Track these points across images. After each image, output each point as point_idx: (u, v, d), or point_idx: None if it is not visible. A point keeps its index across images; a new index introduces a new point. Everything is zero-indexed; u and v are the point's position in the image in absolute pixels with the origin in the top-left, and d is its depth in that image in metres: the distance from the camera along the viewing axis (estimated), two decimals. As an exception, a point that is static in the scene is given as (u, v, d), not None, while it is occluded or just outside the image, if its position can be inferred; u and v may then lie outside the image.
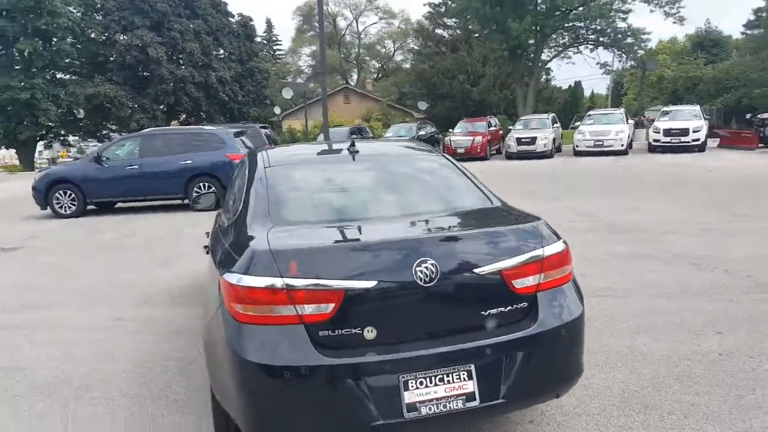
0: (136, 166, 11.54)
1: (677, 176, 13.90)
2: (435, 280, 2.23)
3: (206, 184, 11.49)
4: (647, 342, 3.89)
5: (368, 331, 2.20)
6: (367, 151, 3.44)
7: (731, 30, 65.38)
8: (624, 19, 32.34)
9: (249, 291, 2.19)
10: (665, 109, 23.87)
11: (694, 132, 20.61)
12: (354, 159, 3.25)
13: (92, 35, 35.25)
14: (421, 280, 2.22)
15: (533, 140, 21.15)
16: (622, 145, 20.71)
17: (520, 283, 2.38)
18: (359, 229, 2.60)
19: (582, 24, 33.64)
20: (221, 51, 38.63)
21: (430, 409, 2.19)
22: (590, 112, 24.89)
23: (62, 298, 5.76)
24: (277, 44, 61.38)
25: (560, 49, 36.57)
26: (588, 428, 2.85)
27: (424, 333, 2.29)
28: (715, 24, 60.80)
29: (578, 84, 59.51)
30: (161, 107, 36.19)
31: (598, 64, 44.25)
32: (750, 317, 4.25)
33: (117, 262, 7.37)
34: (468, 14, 33.94)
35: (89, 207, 12.07)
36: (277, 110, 35.67)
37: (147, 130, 13.25)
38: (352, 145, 3.34)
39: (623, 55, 34.79)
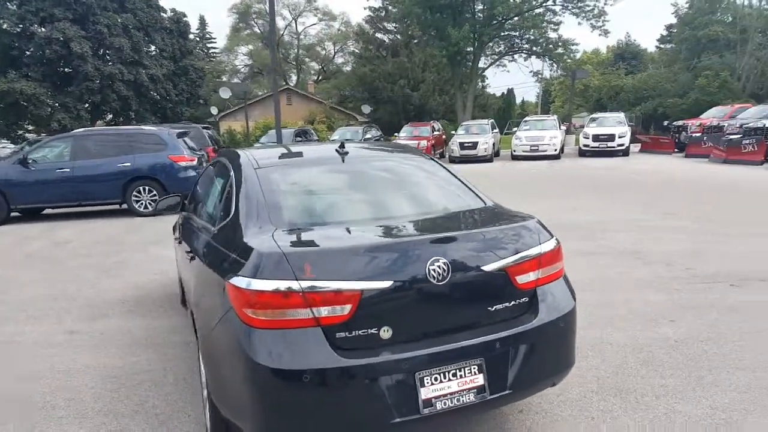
0: (68, 169, 10.82)
1: (609, 178, 14.70)
2: (447, 279, 2.30)
3: (147, 187, 11.02)
4: (611, 331, 4.15)
5: (384, 330, 2.23)
6: (356, 153, 3.43)
7: (647, 43, 70.01)
8: (555, 30, 33.96)
9: (262, 295, 2.15)
10: (593, 116, 25.16)
11: (619, 137, 21.88)
12: (344, 161, 3.24)
13: (4, 26, 32.58)
14: (434, 278, 2.28)
15: (475, 145, 21.76)
16: (556, 150, 21.70)
17: (521, 279, 2.49)
18: (367, 230, 2.60)
19: (517, 33, 34.98)
20: (153, 48, 36.89)
21: (444, 403, 2.26)
22: (526, 119, 25.89)
23: (1, 312, 5.36)
24: (211, 42, 59.64)
25: (496, 57, 37.75)
26: (573, 414, 3.03)
27: (437, 330, 2.34)
28: (634, 37, 64.74)
29: (510, 91, 61.57)
30: (85, 106, 34.05)
31: (531, 72, 46.11)
32: (694, 306, 4.62)
33: (55, 272, 6.93)
34: (409, 20, 34.38)
35: (13, 214, 11.26)
36: (214, 110, 34.58)
37: (80, 130, 12.48)
38: (342, 146, 3.33)
39: (554, 64, 36.42)
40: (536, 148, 21.69)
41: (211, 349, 2.51)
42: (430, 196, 3.14)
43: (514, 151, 22.15)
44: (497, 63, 38.50)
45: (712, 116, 23.05)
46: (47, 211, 12.02)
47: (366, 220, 2.72)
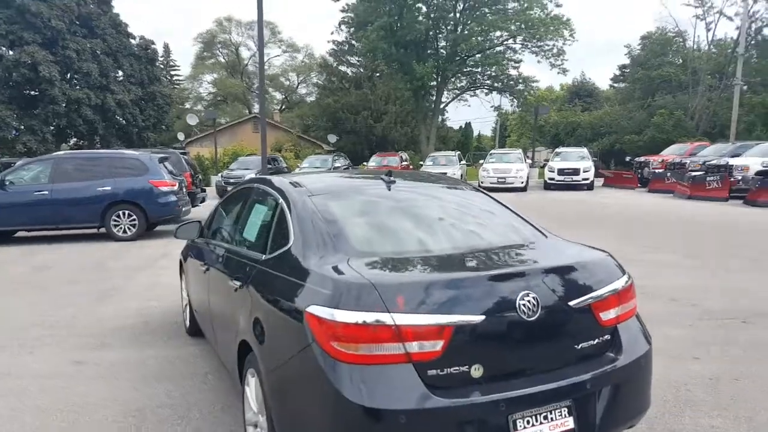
0: (47, 192, 10.39)
1: (580, 211, 15.12)
2: (536, 314, 2.22)
3: (126, 212, 10.64)
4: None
5: (475, 368, 2.13)
6: (402, 182, 3.40)
7: (601, 82, 73.72)
8: (516, 68, 35.28)
9: (351, 327, 2.04)
10: (558, 150, 26.02)
11: (584, 172, 22.66)
12: (390, 189, 3.19)
13: (-29, 49, 31.54)
14: (524, 314, 2.19)
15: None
16: (522, 183, 22.22)
17: (605, 316, 2.42)
18: (447, 261, 2.53)
19: (479, 70, 36.16)
20: (120, 73, 36.21)
21: None
22: (492, 152, 26.52)
23: (-8, 341, 5.01)
24: (175, 69, 59.08)
25: (458, 92, 38.87)
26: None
27: (527, 369, 2.25)
28: (588, 76, 67.80)
29: (468, 125, 63.24)
30: (51, 129, 32.96)
31: (492, 106, 47.57)
32: (714, 342, 4.66)
33: (43, 299, 6.54)
34: (374, 54, 35.12)
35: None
36: (180, 136, 34.00)
37: (60, 152, 12.05)
38: (389, 174, 3.31)
39: (515, 99, 37.70)
40: (503, 180, 22.14)
41: (284, 384, 2.34)
42: (491, 225, 3.07)
43: (482, 182, 22.50)
44: (459, 97, 39.60)
45: (673, 153, 24.18)
46: (20, 234, 11.45)
47: (439, 251, 2.62)
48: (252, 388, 2.76)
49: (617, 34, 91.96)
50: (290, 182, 3.27)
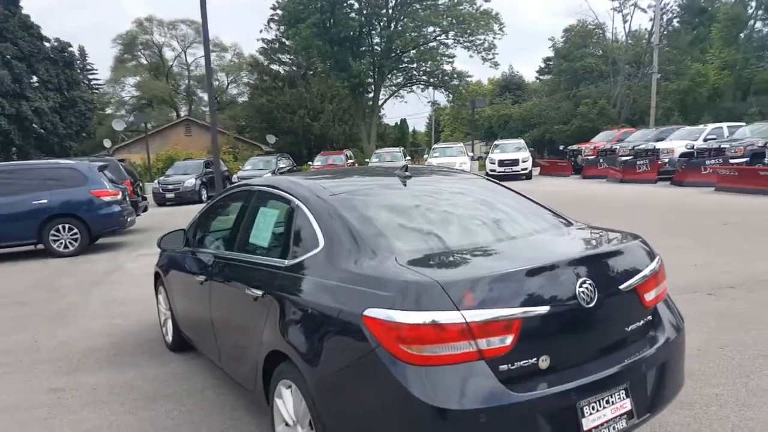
0: (-28, 209, 9.45)
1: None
2: (594, 300, 2.21)
3: (67, 226, 9.91)
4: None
5: (543, 360, 2.10)
6: (418, 177, 3.32)
7: (528, 75, 76.34)
8: (450, 63, 35.92)
9: (420, 329, 1.95)
10: (496, 142, 26.73)
11: (522, 162, 23.44)
12: (406, 185, 3.10)
13: None
14: (584, 301, 2.19)
15: (391, 172, 22.09)
16: (466, 175, 22.64)
17: (647, 297, 2.47)
18: (500, 253, 2.47)
19: (414, 66, 36.53)
20: (35, 78, 33.72)
21: None
22: (434, 146, 26.90)
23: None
24: (93, 73, 55.83)
25: (395, 88, 39.13)
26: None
27: (587, 356, 2.25)
28: (516, 69, 69.83)
29: (404, 121, 63.74)
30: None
31: (429, 102, 48.22)
32: (689, 315, 4.72)
33: (-10, 324, 5.98)
34: (309, 52, 34.70)
35: None
36: (107, 143, 32.13)
37: (-12, 165, 11.04)
38: (405, 169, 3.23)
39: (450, 94, 38.41)
40: (448, 173, 22.47)
41: (342, 392, 2.21)
42: (519, 214, 3.02)
43: (428, 176, 22.76)
44: (396, 94, 39.90)
45: (602, 140, 25.41)
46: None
47: (482, 243, 2.56)
48: (287, 399, 2.61)
49: (541, 27, 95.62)
50: (301, 183, 3.11)
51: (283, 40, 44.04)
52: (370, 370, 2.06)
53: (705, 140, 19.08)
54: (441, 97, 42.92)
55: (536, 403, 2.02)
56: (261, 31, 48.84)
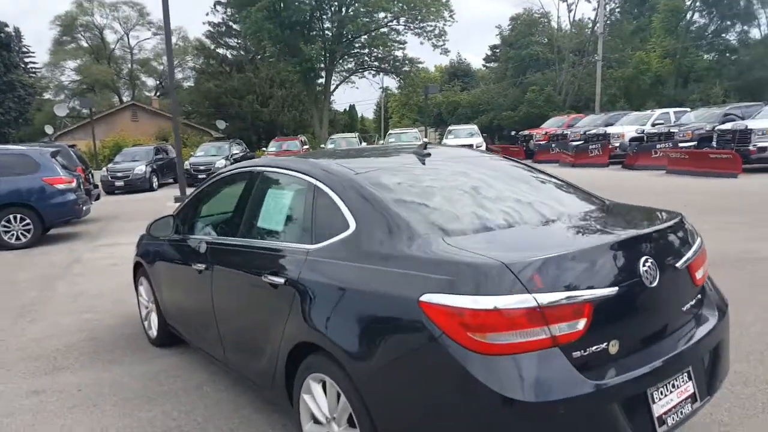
0: None
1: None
2: (656, 280, 2.12)
3: (18, 216, 9.24)
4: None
5: (612, 345, 1.98)
6: (438, 154, 3.19)
7: (475, 62, 76.89)
8: (402, 49, 35.86)
9: (491, 315, 1.82)
10: (450, 128, 26.95)
11: (476, 147, 23.63)
12: (425, 163, 2.97)
13: None
14: (647, 280, 2.09)
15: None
16: (423, 161, 22.71)
17: (698, 275, 2.41)
18: (554, 231, 2.37)
19: (366, 51, 36.24)
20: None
21: (673, 419, 2.09)
22: (390, 132, 26.82)
23: None
24: (29, 56, 52.28)
25: (347, 74, 38.73)
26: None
27: (652, 338, 2.16)
28: (464, 57, 70.44)
29: (353, 107, 63.35)
30: None
31: (380, 88, 48.02)
32: None
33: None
34: (259, 36, 33.76)
35: None
36: (48, 129, 30.16)
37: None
38: (424, 147, 3.11)
39: (402, 80, 38.39)
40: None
41: (397, 385, 2.05)
42: (554, 193, 2.93)
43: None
44: (347, 80, 39.49)
45: (552, 125, 26.04)
46: None
47: (530, 222, 2.43)
48: (317, 395, 2.46)
49: (487, 15, 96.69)
50: (318, 163, 2.94)
51: (231, 23, 42.85)
52: (432, 360, 1.92)
53: (653, 125, 19.87)
54: (392, 83, 42.71)
55: (613, 391, 1.92)
56: (207, 14, 47.02)
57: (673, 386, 2.13)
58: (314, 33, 33.79)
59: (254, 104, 39.86)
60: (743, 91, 29.95)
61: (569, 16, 48.56)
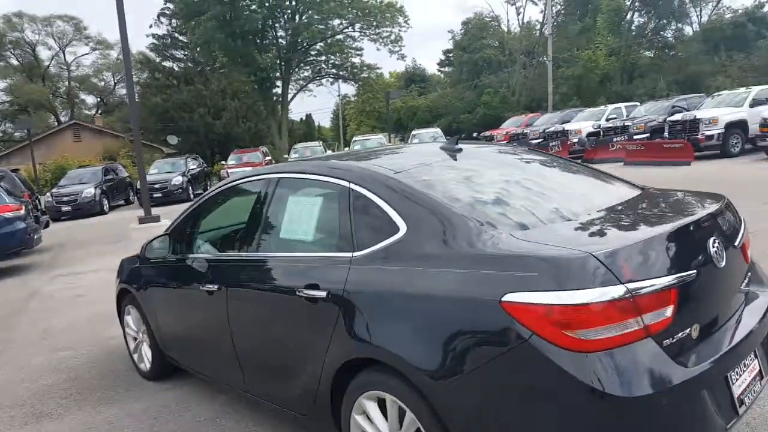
0: None
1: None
2: (723, 260, 2.09)
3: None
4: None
5: (694, 329, 1.92)
6: (469, 150, 3.00)
7: (430, 67, 77.42)
8: (359, 55, 35.79)
9: (585, 310, 1.71)
10: (414, 132, 26.98)
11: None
12: (456, 158, 2.80)
13: None
14: (717, 260, 2.05)
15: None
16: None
17: (748, 253, 2.42)
18: (617, 221, 2.26)
19: (323, 58, 35.96)
20: None
21: (749, 398, 2.05)
22: (356, 138, 26.61)
23: None
24: (-51, 76, 49.29)
25: (303, 82, 38.29)
26: None
27: (725, 319, 2.11)
28: (419, 62, 70.73)
29: (309, 116, 62.91)
30: None
31: (339, 96, 47.78)
32: None
33: None
34: (209, 46, 32.93)
35: None
36: (-20, 154, 28.43)
37: None
38: (456, 142, 2.94)
39: (361, 87, 38.30)
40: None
41: (483, 395, 1.88)
42: (595, 184, 2.78)
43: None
44: (305, 88, 39.08)
45: (512, 125, 26.42)
46: None
47: (586, 212, 2.30)
48: (373, 414, 2.26)
49: (439, 21, 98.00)
50: (347, 165, 2.70)
51: (176, 35, 41.62)
52: (524, 364, 1.78)
53: (607, 120, 20.42)
54: (350, 90, 42.59)
55: (704, 377, 1.86)
56: (150, 27, 45.14)
57: (745, 366, 2.10)
58: (267, 42, 33.24)
59: (206, 117, 38.68)
60: (683, 84, 31.33)
61: (518, 19, 49.65)
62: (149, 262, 3.78)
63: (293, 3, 33.05)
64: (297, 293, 2.47)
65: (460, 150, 2.88)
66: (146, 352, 4.10)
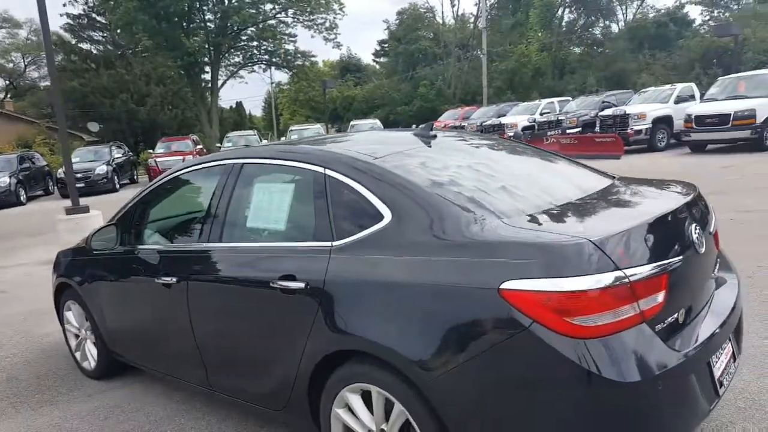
0: None
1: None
2: (703, 246, 2.14)
3: None
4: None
5: (680, 314, 1.96)
6: (443, 138, 2.92)
7: (365, 58, 76.80)
8: (293, 42, 34.96)
9: (585, 296, 1.71)
10: (352, 123, 26.80)
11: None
12: (430, 145, 2.72)
13: None
14: (698, 246, 2.10)
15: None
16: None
17: (718, 240, 2.50)
18: (600, 208, 2.27)
19: (255, 44, 34.88)
20: None
21: (726, 380, 2.12)
22: (292, 128, 26.05)
23: None
24: None
25: (234, 68, 37.02)
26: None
27: (702, 304, 2.17)
28: (354, 51, 70.06)
29: (240, 104, 61.03)
30: None
31: (272, 83, 46.57)
32: None
33: None
34: (132, 28, 31.11)
35: None
36: None
37: None
38: (430, 128, 2.87)
39: (296, 75, 37.51)
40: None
41: (481, 385, 1.84)
42: (570, 172, 2.77)
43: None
44: (235, 75, 37.83)
45: (449, 118, 26.78)
46: None
47: (567, 200, 2.28)
48: (357, 407, 2.17)
49: (373, 11, 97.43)
50: (323, 150, 2.56)
51: (94, 15, 39.13)
52: (524, 352, 1.76)
53: (541, 114, 21.10)
54: (284, 78, 41.60)
55: (693, 360, 1.90)
56: (65, 5, 41.79)
57: (722, 349, 2.15)
58: (195, 25, 31.74)
59: (129, 103, 36.55)
60: (610, 80, 32.87)
61: (453, 11, 50.42)
62: (93, 253, 3.49)
63: (223, -15, 31.86)
64: (271, 285, 2.34)
65: (435, 137, 2.81)
66: (90, 349, 3.80)
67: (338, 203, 2.31)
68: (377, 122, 25.93)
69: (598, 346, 1.71)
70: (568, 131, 18.01)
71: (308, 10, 33.46)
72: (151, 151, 22.86)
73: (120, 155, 21.27)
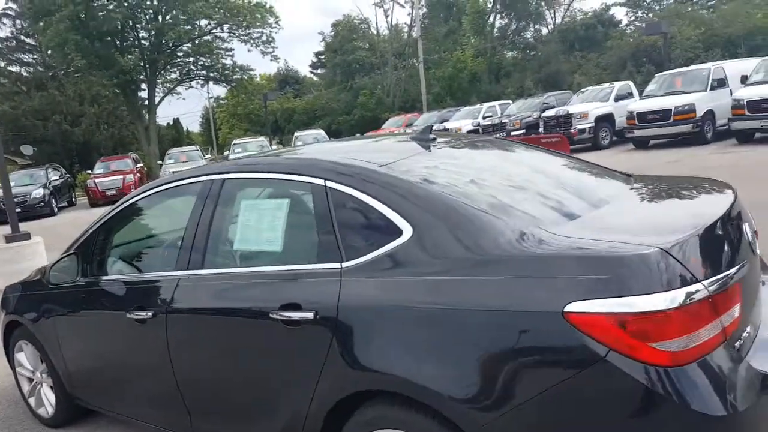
0: None
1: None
2: (757, 247, 1.98)
3: None
4: None
5: (750, 327, 1.76)
6: (444, 142, 2.72)
7: (302, 69, 75.98)
8: (230, 56, 34.45)
9: (668, 316, 1.48)
10: (296, 134, 26.76)
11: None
12: (430, 150, 2.48)
13: None
14: (756, 248, 1.96)
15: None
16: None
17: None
18: (642, 213, 2.13)
19: (192, 60, 34.16)
20: None
21: None
22: (236, 141, 25.62)
23: None
24: None
25: (171, 85, 36.02)
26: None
27: (759, 313, 1.94)
28: (291, 64, 69.22)
29: (177, 121, 59.41)
30: None
31: (211, 98, 45.54)
32: None
33: None
34: (65, 48, 29.76)
35: None
36: None
37: None
38: (429, 131, 2.63)
39: (235, 89, 36.92)
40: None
41: (545, 427, 1.61)
42: (588, 175, 2.56)
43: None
44: (173, 91, 36.85)
45: (392, 125, 26.95)
46: None
47: (600, 204, 2.07)
48: None
49: (307, 24, 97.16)
50: (322, 160, 2.29)
51: (23, 37, 37.54)
52: (600, 387, 1.52)
53: (484, 117, 21.56)
54: (222, 92, 40.76)
55: None
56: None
57: None
58: (129, 43, 30.77)
59: (63, 125, 35.20)
60: (546, 82, 34.01)
61: (387, 22, 51.03)
62: (49, 287, 3.20)
63: (155, 3, 31.00)
64: (270, 316, 2.06)
65: (434, 140, 2.56)
66: (47, 394, 3.55)
67: (345, 219, 2.07)
68: (321, 132, 25.84)
69: (690, 374, 1.49)
70: (512, 133, 18.44)
71: (244, 24, 33.06)
72: (89, 171, 22.04)
73: (57, 177, 20.40)
